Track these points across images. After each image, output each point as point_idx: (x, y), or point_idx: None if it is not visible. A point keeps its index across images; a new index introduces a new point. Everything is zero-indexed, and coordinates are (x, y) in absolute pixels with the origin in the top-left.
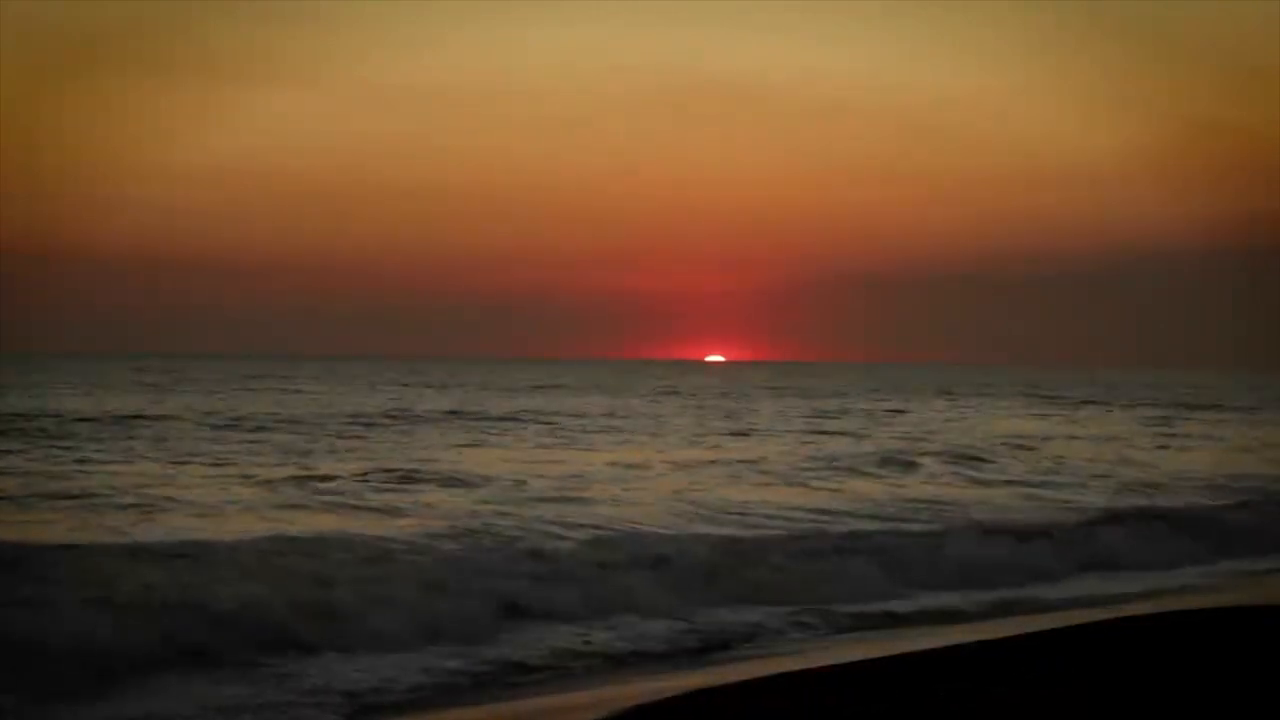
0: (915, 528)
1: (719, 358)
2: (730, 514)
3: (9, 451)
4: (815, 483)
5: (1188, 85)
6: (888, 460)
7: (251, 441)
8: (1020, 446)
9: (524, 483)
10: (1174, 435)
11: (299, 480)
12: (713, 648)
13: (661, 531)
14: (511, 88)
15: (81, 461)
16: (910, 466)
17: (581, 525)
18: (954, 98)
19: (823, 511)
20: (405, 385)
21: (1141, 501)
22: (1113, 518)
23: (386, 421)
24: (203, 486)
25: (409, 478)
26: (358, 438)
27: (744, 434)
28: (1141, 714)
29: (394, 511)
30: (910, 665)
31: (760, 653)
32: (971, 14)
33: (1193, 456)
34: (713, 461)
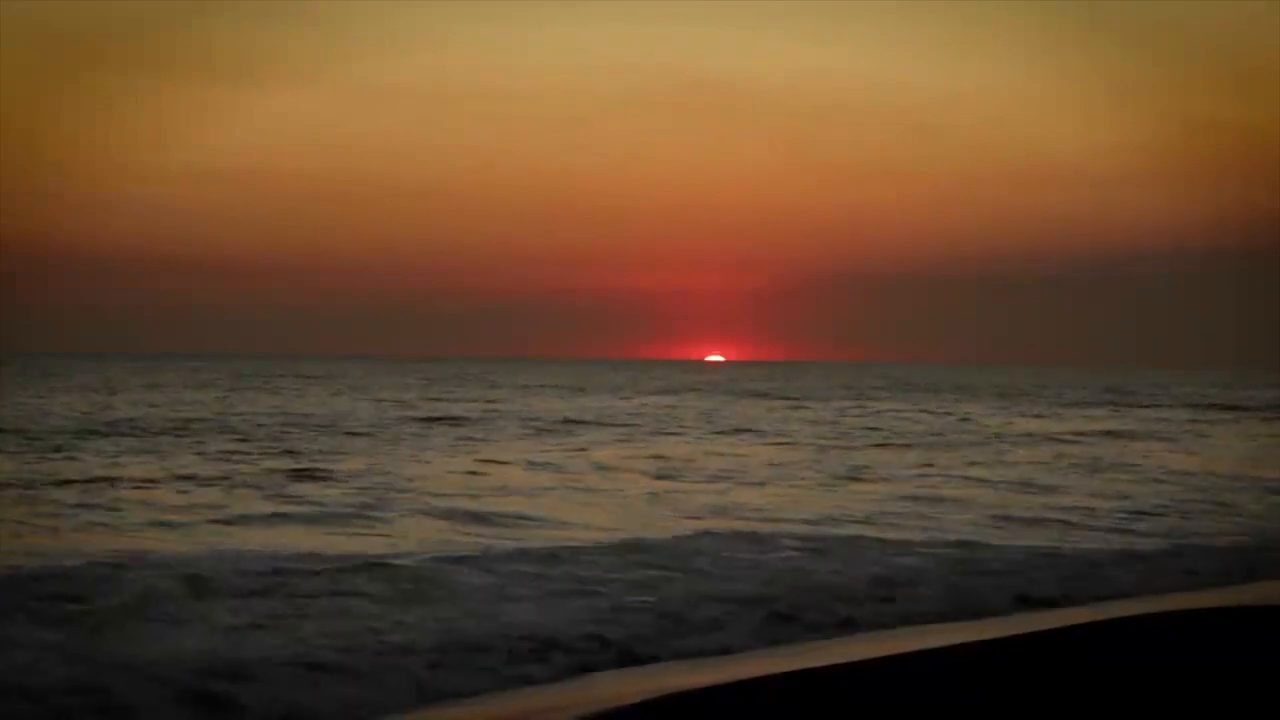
0: None
1: (719, 358)
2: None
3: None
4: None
5: (1188, 85)
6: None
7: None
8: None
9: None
10: None
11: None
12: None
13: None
14: (511, 88)
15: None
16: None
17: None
18: (954, 98)
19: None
20: (408, 385)
21: None
22: None
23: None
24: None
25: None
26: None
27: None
28: (1142, 714)
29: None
30: (910, 665)
31: (760, 653)
32: (971, 14)
33: None
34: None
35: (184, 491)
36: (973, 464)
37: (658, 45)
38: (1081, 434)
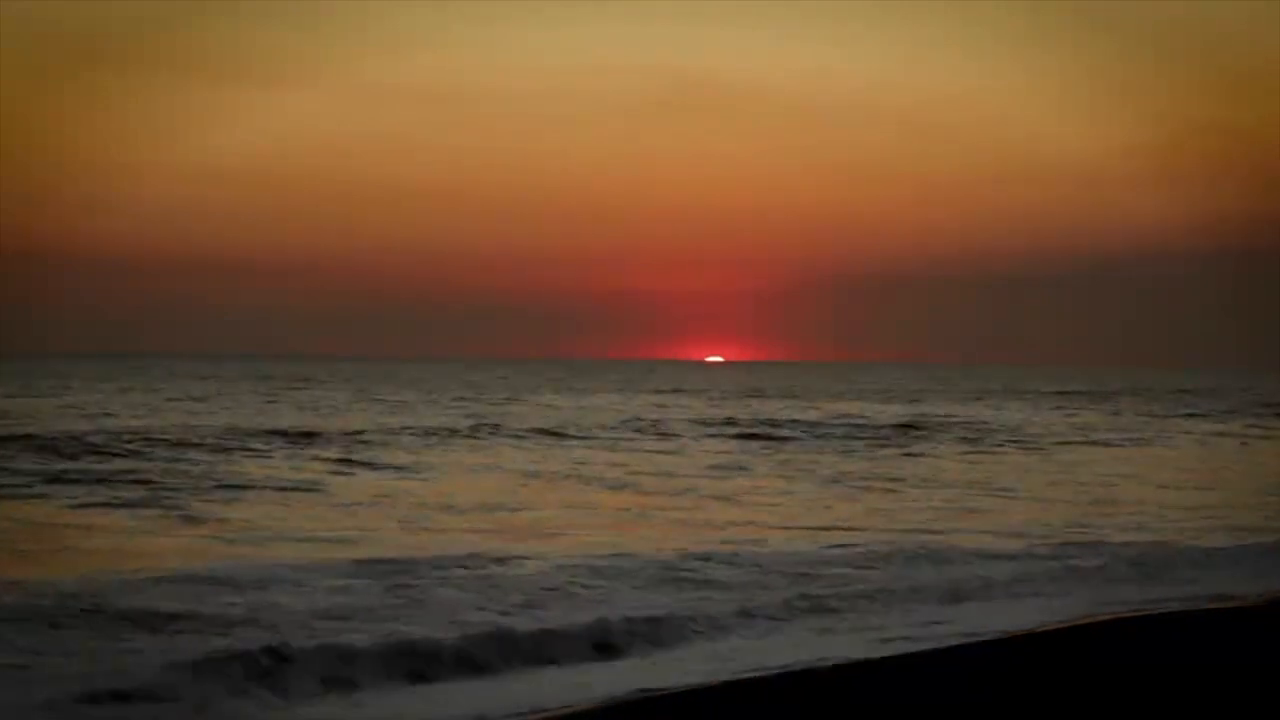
0: None
1: (718, 358)
2: None
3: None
4: None
5: (1186, 85)
6: None
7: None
8: None
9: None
10: None
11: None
12: None
13: None
14: (511, 88)
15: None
16: None
17: None
18: (953, 98)
19: None
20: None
21: None
22: None
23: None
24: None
25: None
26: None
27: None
28: (1142, 714)
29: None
30: (911, 665)
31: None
32: (971, 14)
33: None
34: None
35: None
36: None
37: (658, 45)
38: None
